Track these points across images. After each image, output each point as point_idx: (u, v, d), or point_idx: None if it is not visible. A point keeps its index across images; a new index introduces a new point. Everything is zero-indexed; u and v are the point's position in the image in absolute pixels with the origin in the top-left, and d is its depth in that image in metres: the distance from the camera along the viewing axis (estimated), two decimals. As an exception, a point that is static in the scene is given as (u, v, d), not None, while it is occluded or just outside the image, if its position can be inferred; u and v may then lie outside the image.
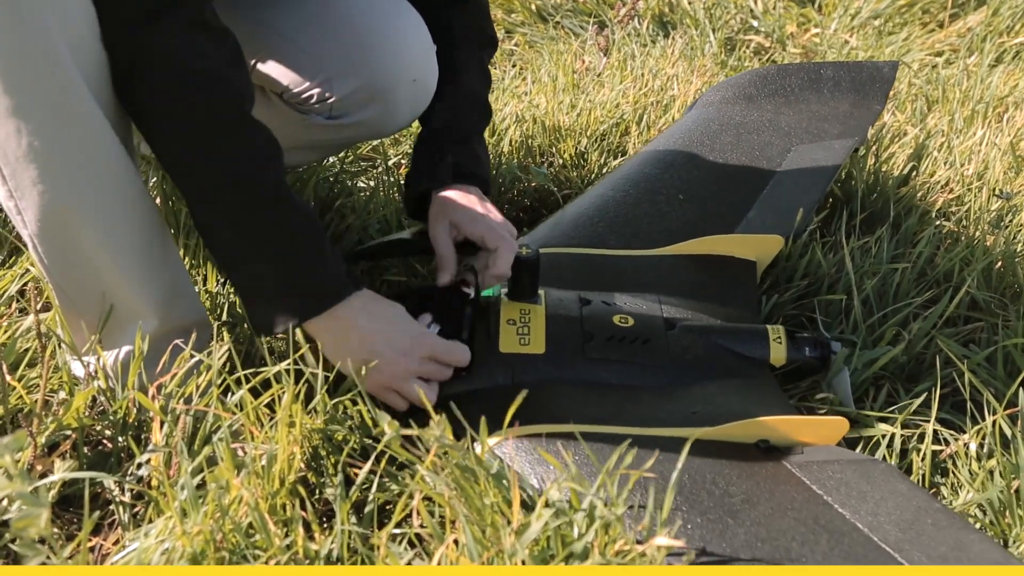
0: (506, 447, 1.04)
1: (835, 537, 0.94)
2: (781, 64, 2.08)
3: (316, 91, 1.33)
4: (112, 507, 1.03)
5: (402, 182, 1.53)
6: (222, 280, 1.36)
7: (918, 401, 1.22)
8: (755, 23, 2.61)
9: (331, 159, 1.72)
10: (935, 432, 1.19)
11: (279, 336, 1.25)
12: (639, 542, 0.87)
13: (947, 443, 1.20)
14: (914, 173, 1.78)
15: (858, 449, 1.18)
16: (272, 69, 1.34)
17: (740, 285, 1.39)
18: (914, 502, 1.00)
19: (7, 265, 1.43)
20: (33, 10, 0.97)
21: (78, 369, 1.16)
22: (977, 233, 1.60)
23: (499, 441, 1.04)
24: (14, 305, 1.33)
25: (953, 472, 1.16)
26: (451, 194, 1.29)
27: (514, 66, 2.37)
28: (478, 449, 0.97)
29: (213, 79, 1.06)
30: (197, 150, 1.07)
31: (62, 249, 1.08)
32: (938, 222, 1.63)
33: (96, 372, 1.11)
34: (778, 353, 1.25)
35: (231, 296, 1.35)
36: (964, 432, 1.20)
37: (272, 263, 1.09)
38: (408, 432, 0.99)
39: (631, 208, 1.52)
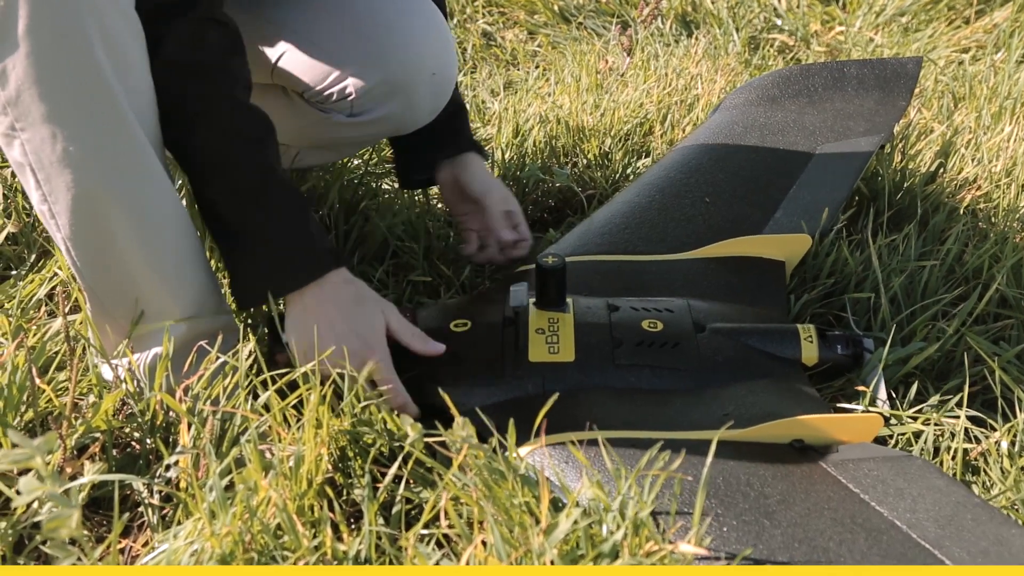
0: (537, 452, 1.04)
1: (873, 535, 0.93)
2: (804, 64, 2.06)
3: (336, 89, 1.33)
4: (141, 509, 1.03)
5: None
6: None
7: (953, 400, 1.21)
8: (779, 22, 2.60)
9: (355, 161, 1.73)
10: (965, 430, 1.18)
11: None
12: (669, 543, 0.87)
13: (978, 441, 1.19)
14: (941, 170, 1.77)
15: (890, 447, 1.17)
16: (292, 69, 1.34)
17: (769, 285, 1.38)
18: (952, 497, 0.99)
19: (36, 269, 1.44)
20: (69, 15, 0.97)
21: (107, 372, 1.16)
22: (1006, 230, 1.58)
23: (531, 451, 1.03)
24: (43, 308, 1.34)
25: (984, 470, 1.15)
26: (472, 159, 1.43)
27: (537, 67, 2.36)
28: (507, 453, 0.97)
29: (211, 68, 1.11)
30: (194, 132, 1.11)
31: (95, 252, 1.09)
32: (966, 219, 1.62)
33: (125, 376, 1.12)
34: (810, 352, 1.24)
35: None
36: (995, 430, 1.18)
37: (258, 238, 1.12)
38: (433, 434, 0.99)
39: (657, 213, 1.51)
